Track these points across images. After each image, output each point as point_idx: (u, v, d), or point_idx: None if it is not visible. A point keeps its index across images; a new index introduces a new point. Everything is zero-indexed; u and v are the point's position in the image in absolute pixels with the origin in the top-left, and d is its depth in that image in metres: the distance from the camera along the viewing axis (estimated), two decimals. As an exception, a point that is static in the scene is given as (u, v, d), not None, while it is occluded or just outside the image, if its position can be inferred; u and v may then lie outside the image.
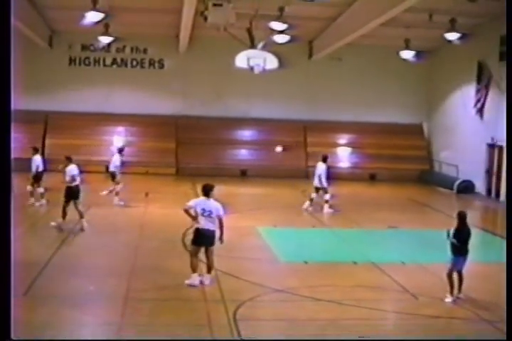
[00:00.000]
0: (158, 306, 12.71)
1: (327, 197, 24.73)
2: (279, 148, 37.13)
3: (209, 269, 14.12)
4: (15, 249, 16.79)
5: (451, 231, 13.58)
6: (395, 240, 20.21)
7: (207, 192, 14.14)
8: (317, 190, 24.74)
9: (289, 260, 17.00)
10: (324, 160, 25.09)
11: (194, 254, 14.07)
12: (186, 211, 14.07)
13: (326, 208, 24.65)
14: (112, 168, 26.11)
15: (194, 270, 13.91)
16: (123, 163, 26.65)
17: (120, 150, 26.94)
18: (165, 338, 11.01)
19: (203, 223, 13.88)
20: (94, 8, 25.49)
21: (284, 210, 25.35)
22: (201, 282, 13.91)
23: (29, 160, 27.69)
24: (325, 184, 24.56)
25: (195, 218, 14.02)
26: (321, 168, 24.76)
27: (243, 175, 36.59)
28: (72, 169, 20.18)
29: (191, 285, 13.72)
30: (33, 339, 8.04)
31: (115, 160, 26.13)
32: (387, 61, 36.52)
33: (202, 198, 14.11)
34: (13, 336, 8.27)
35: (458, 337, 11.71)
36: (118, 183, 25.70)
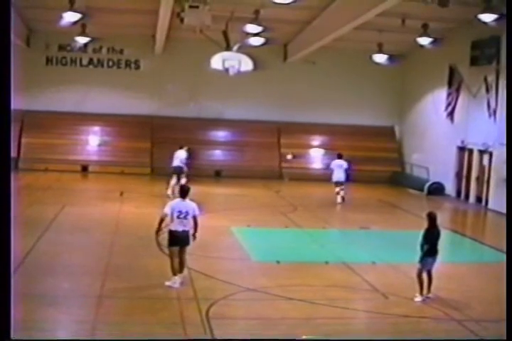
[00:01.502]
0: (132, 304, 12.81)
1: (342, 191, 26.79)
2: (289, 156, 37.13)
3: (181, 268, 14.18)
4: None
5: (422, 234, 13.84)
6: (366, 240, 20.41)
7: (186, 193, 14.28)
8: (337, 184, 26.60)
9: (262, 259, 17.19)
10: (340, 157, 27.09)
11: (173, 256, 14.05)
12: (162, 220, 14.03)
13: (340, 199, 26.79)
14: (179, 163, 26.85)
15: (175, 273, 13.94)
16: (188, 160, 27.42)
17: (181, 147, 27.78)
18: (144, 338, 11.07)
19: (178, 225, 13.93)
20: (72, 9, 25.55)
21: (257, 210, 25.55)
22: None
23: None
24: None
25: (160, 229, 14.14)
26: (342, 164, 27.15)
27: (217, 175, 36.74)
28: None
29: (171, 287, 13.77)
30: (33, 339, 8.05)
31: (181, 156, 26.96)
32: (360, 64, 36.77)
33: (178, 200, 14.20)
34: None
35: (423, 337, 11.84)
36: (183, 178, 26.52)
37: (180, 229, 13.95)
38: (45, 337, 10.82)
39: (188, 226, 14.05)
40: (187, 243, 14.19)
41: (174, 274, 13.91)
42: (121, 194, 27.02)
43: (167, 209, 13.99)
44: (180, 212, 13.90)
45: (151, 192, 29.52)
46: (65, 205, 24.06)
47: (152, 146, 36.99)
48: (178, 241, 14.04)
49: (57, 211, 22.73)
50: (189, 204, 14.15)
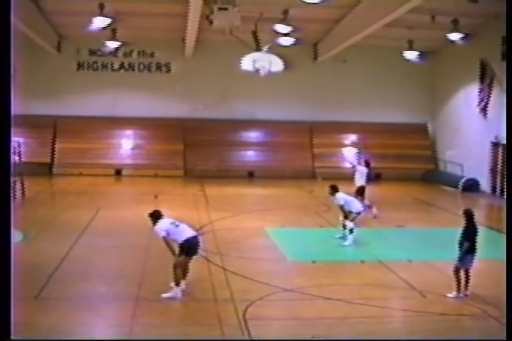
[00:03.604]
0: (169, 307, 12.87)
1: None
2: (319, 179, 34.62)
3: (186, 275, 13.68)
4: (27, 251, 17.10)
5: (461, 232, 13.71)
6: (401, 238, 20.27)
7: (159, 217, 13.78)
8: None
9: (297, 259, 17.16)
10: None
11: (183, 266, 13.53)
12: (167, 242, 13.56)
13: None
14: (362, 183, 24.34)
15: (179, 283, 13.41)
16: (369, 177, 24.93)
17: (368, 164, 25.51)
18: (175, 338, 11.12)
19: (188, 231, 13.64)
20: (101, 14, 25.71)
21: (291, 210, 25.50)
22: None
23: (40, 165, 28.16)
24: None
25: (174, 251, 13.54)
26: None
27: (250, 176, 36.76)
28: None
29: (171, 298, 13.25)
30: (33, 339, 8.06)
31: (362, 173, 24.66)
32: (391, 62, 36.63)
33: (164, 222, 13.63)
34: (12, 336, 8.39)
35: (461, 335, 11.79)
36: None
37: (193, 234, 13.68)
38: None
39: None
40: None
41: (178, 284, 13.41)
42: (156, 197, 27.10)
43: (163, 233, 13.44)
44: (174, 223, 13.60)
45: (185, 194, 29.64)
46: (99, 209, 24.20)
47: (185, 148, 37.10)
48: (197, 247, 13.71)
49: (92, 215, 22.88)
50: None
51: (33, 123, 34.52)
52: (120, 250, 17.91)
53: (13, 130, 27.63)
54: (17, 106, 31.93)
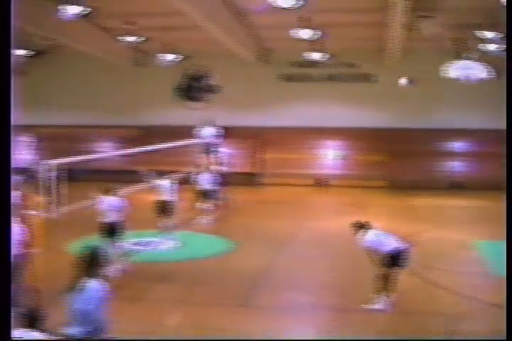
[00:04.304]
0: (371, 318, 12.85)
1: None
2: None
3: (390, 286, 13.48)
4: (235, 259, 17.57)
5: None
6: None
7: (363, 227, 13.61)
8: None
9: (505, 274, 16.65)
10: None
11: (387, 277, 13.33)
12: (371, 253, 13.48)
13: None
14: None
15: (382, 295, 13.29)
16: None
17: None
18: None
19: (393, 243, 13.42)
20: (305, 26, 26.06)
21: (498, 223, 24.66)
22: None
23: (245, 175, 28.87)
24: None
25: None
26: None
27: (454, 187, 35.88)
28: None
29: (374, 309, 13.20)
30: (33, 339, 8.23)
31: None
32: None
33: (368, 233, 13.49)
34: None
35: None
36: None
37: (400, 245, 13.48)
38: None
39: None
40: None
41: (381, 296, 13.32)
42: (359, 208, 27.10)
43: (366, 243, 13.43)
44: (377, 235, 13.47)
45: (389, 205, 29.38)
46: (302, 219, 24.50)
47: (388, 159, 36.81)
48: (401, 259, 13.43)
49: (296, 224, 23.21)
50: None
51: (238, 135, 35.41)
52: (323, 260, 18.07)
53: (222, 141, 28.59)
54: (224, 119, 32.90)
